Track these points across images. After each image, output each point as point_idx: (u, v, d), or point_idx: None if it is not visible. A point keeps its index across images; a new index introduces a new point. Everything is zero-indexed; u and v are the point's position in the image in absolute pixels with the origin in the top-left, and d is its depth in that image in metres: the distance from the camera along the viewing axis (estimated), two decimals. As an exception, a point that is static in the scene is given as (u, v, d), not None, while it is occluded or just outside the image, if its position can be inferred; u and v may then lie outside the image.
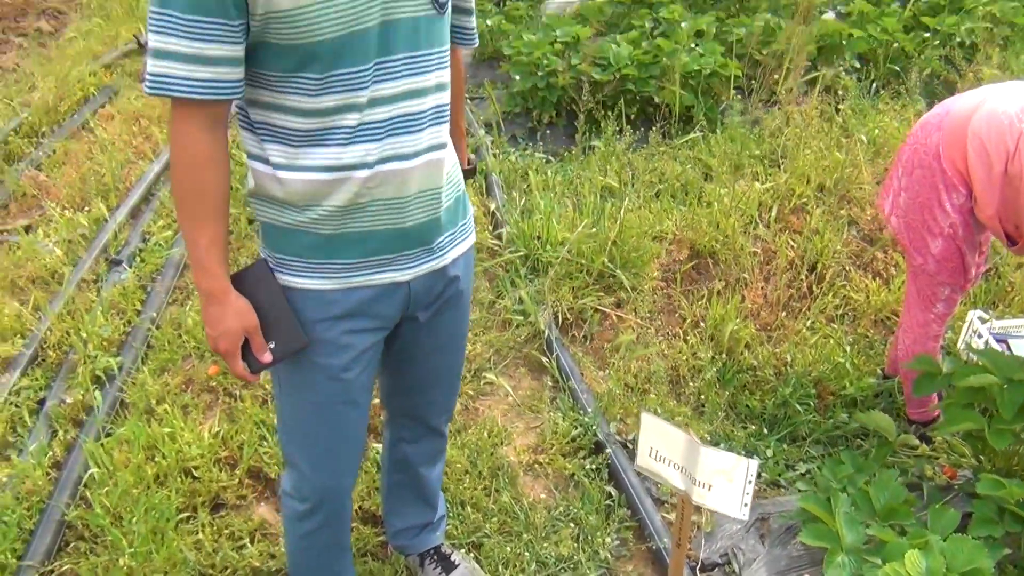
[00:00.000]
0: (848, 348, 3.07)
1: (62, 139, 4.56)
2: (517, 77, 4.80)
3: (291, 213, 1.48)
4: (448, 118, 1.56)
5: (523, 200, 3.86)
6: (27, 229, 3.75)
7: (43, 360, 3.01)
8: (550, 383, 2.95)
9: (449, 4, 1.49)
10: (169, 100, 1.35)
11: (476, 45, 1.75)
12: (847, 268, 3.50)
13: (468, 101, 4.89)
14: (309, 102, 1.37)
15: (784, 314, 3.26)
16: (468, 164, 1.87)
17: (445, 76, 1.52)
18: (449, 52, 1.53)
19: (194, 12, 1.25)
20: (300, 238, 1.50)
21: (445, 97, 1.53)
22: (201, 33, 1.26)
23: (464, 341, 1.91)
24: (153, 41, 1.29)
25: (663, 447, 1.73)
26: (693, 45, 4.82)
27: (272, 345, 1.52)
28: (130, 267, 3.48)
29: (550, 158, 4.36)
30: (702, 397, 2.90)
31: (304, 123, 1.40)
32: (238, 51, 1.31)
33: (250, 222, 3.71)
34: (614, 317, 3.24)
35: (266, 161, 1.45)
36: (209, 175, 1.40)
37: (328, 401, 1.64)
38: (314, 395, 1.63)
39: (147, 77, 1.32)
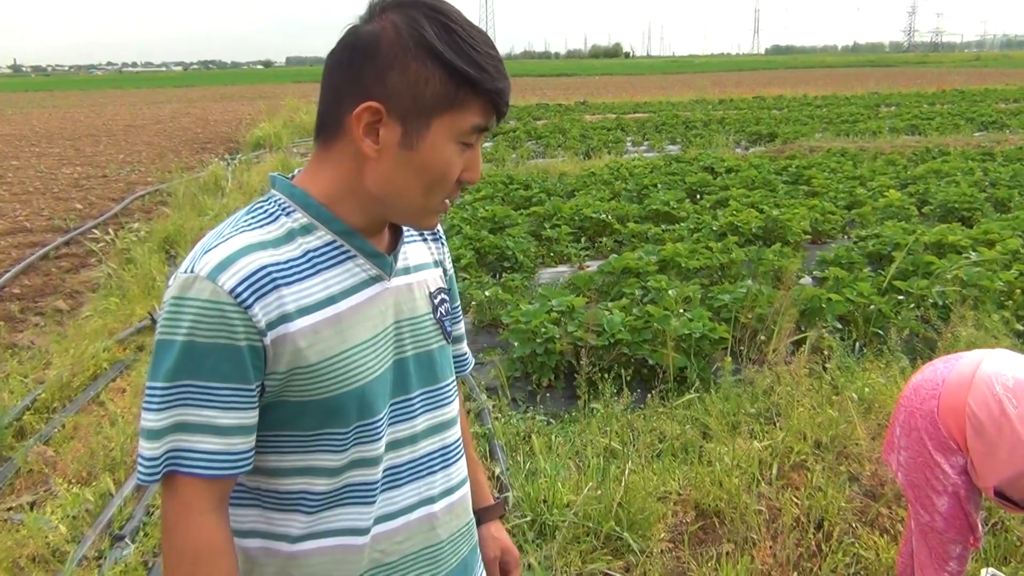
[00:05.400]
0: (865, 610, 3.00)
1: (72, 414, 4.67)
2: (516, 344, 5.03)
3: None
4: (464, 452, 1.47)
5: (527, 463, 3.91)
6: (32, 506, 3.75)
7: (38, 644, 2.92)
8: (563, 656, 2.85)
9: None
10: (166, 485, 1.13)
11: (470, 369, 1.65)
12: (853, 525, 3.49)
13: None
14: (335, 459, 1.22)
15: (795, 574, 3.22)
16: (495, 499, 1.67)
17: (457, 407, 1.43)
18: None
19: (209, 379, 1.10)
20: None
21: (460, 430, 1.44)
22: (213, 401, 1.10)
23: None
24: (151, 420, 1.11)
25: None
26: (682, 311, 5.10)
27: None
28: (133, 542, 3.44)
29: (551, 420, 4.47)
30: (721, 667, 2.80)
31: (328, 484, 1.23)
32: (251, 418, 1.15)
33: None
34: (624, 582, 3.18)
35: (277, 536, 1.25)
36: (223, 565, 1.14)
37: None
38: None
39: (142, 463, 1.11)
